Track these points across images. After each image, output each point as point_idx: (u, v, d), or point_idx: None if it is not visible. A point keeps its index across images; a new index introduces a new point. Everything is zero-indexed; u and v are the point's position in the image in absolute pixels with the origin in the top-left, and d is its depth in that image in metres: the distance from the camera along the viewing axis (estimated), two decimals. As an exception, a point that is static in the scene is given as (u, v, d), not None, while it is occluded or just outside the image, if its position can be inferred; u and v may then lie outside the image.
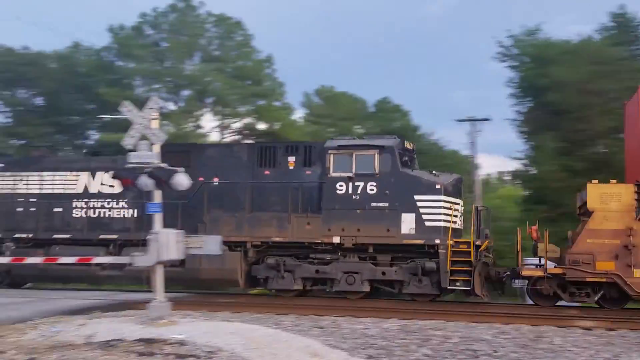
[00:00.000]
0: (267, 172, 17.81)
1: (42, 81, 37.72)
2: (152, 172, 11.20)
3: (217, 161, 18.30)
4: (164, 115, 31.53)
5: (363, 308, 14.51)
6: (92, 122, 38.52)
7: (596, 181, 16.15)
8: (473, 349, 10.85)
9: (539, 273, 16.33)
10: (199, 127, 34.47)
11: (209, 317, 12.71)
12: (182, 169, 11.92)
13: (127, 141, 11.48)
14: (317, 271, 17.13)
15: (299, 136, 33.95)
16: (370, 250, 16.97)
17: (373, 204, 16.65)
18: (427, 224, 16.39)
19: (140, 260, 11.40)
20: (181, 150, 18.50)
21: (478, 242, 16.78)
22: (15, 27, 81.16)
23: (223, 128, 35.84)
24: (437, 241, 16.32)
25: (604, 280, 15.55)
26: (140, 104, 11.76)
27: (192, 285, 18.59)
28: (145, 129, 11.34)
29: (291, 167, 17.49)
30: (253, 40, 37.46)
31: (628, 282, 15.30)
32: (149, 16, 37.03)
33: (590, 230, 15.76)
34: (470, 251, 16.25)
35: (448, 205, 16.65)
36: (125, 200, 18.72)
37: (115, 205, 18.92)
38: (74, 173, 19.44)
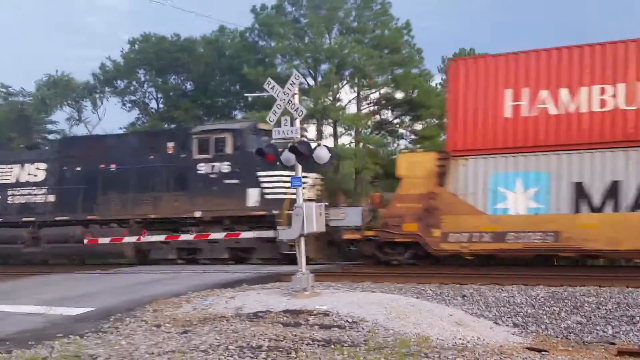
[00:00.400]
0: (152, 157, 19.90)
1: (191, 66, 39.70)
2: (295, 147, 11.41)
3: (115, 149, 20.77)
4: (304, 91, 32.11)
5: (508, 276, 13.99)
6: (238, 103, 40.15)
7: (406, 151, 18.40)
8: (630, 315, 10.20)
9: (357, 236, 17.47)
10: (337, 100, 34.76)
11: (350, 288, 12.85)
12: (322, 142, 12.08)
13: (271, 117, 11.80)
14: (187, 242, 19.09)
15: (438, 103, 33.20)
16: (227, 222, 18.85)
17: (226, 181, 18.52)
18: (268, 196, 18.19)
19: (284, 234, 11.72)
20: (87, 141, 22.52)
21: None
22: (167, 15, 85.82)
23: (361, 100, 35.89)
24: (275, 212, 17.83)
25: (410, 240, 17.07)
26: (281, 81, 12.02)
27: (90, 257, 21.55)
28: (288, 105, 11.57)
29: (170, 152, 19.53)
30: (391, 8, 37.06)
31: (427, 241, 16.78)
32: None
33: (399, 196, 17.35)
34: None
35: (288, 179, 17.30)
36: (46, 187, 21.43)
37: (38, 192, 21.69)
38: (9, 165, 22.36)
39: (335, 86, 34.56)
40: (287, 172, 17.44)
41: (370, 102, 35.77)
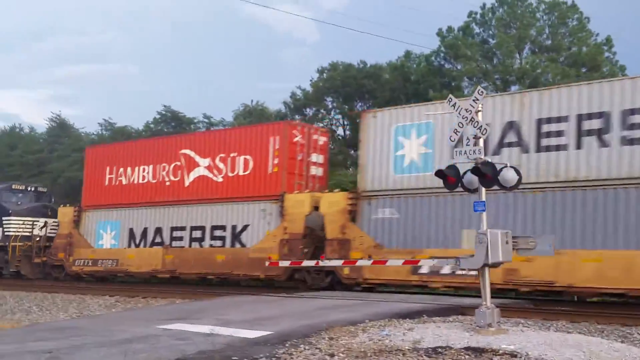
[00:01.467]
0: None
1: (377, 92, 39.86)
2: (478, 168, 10.53)
3: None
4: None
5: None
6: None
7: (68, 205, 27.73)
8: None
9: (39, 260, 27.29)
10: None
11: (542, 327, 11.53)
12: (507, 163, 11.07)
13: (453, 136, 11.06)
14: None
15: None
16: None
17: None
18: (6, 233, 27.48)
19: (466, 263, 10.79)
20: None
21: (29, 243, 27.44)
22: (354, 44, 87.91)
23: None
24: (7, 243, 27.19)
25: (60, 264, 26.49)
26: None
27: None
28: (471, 123, 10.76)
29: None
30: (589, 23, 34.60)
31: (66, 265, 26.06)
32: (477, 14, 36.70)
33: (58, 234, 26.76)
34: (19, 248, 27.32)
35: (20, 222, 27.65)
36: None
37: None
38: None
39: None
40: (22, 218, 27.69)
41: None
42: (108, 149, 27.06)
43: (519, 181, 10.97)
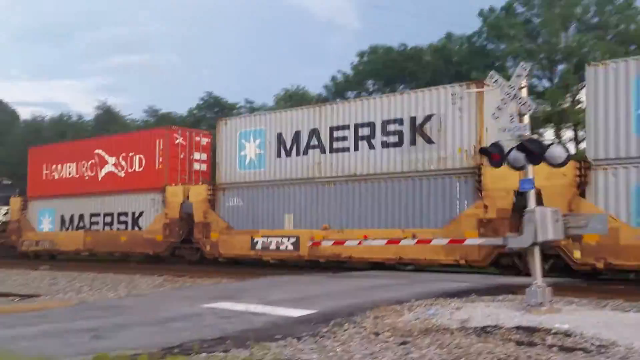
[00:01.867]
0: None
1: (418, 74, 39.30)
2: (524, 145, 10.19)
3: None
4: (538, 94, 29.95)
5: None
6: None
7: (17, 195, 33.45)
8: None
9: None
10: (577, 102, 31.90)
11: (597, 306, 11.13)
12: (556, 140, 10.69)
13: (496, 113, 10.77)
14: None
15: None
16: None
17: None
18: None
19: (514, 242, 10.49)
20: None
21: None
22: (395, 29, 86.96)
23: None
24: None
25: (14, 244, 32.20)
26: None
27: None
28: (514, 99, 10.44)
29: None
30: (636, 1, 33.39)
31: (17, 245, 31.86)
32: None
33: (11, 220, 32.42)
34: None
35: None
36: None
37: None
38: None
39: (575, 87, 31.73)
40: None
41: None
42: (44, 149, 32.50)
43: (568, 158, 10.66)
